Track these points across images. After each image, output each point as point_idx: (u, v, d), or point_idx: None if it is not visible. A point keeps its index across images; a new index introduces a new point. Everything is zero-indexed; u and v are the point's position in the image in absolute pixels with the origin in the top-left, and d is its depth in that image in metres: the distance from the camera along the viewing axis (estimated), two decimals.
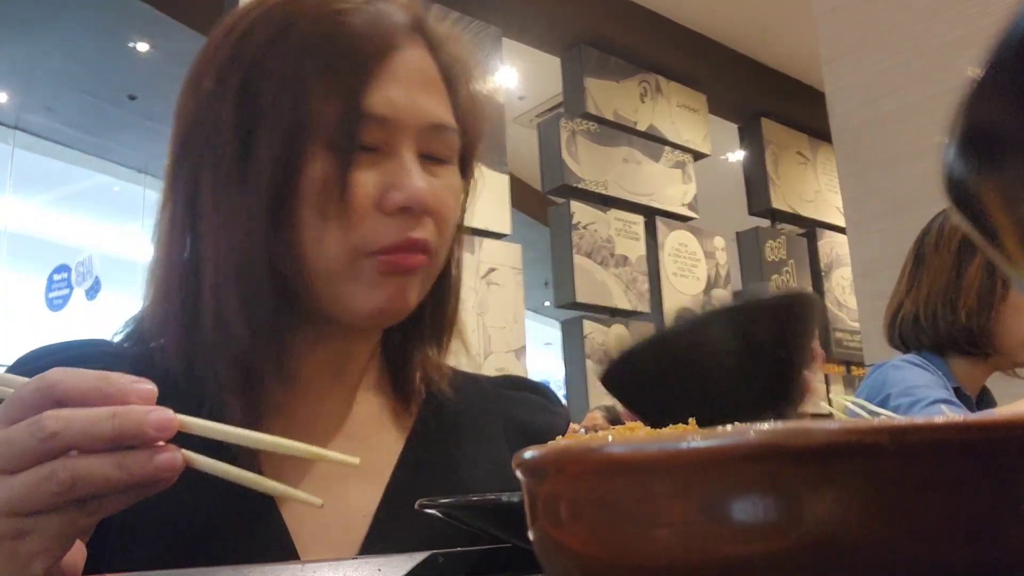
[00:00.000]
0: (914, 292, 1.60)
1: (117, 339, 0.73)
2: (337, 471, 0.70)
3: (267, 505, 0.64)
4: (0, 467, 0.43)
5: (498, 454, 0.80)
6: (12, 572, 0.43)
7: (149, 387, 0.46)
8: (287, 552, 0.64)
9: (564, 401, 5.83)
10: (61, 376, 0.45)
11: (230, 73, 0.67)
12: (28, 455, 0.43)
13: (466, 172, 0.79)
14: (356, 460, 0.47)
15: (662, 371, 0.61)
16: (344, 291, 0.67)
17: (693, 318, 0.59)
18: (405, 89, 0.68)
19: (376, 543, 0.67)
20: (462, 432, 0.80)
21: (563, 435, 0.81)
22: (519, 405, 0.88)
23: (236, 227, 0.66)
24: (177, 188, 0.69)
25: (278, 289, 0.67)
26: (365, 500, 0.70)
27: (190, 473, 0.46)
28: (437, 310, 0.79)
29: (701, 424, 0.43)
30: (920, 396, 1.45)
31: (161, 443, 0.45)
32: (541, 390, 0.95)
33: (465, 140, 0.75)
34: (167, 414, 0.44)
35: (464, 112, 0.75)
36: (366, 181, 0.66)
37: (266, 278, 0.66)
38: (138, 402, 0.45)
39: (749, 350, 0.56)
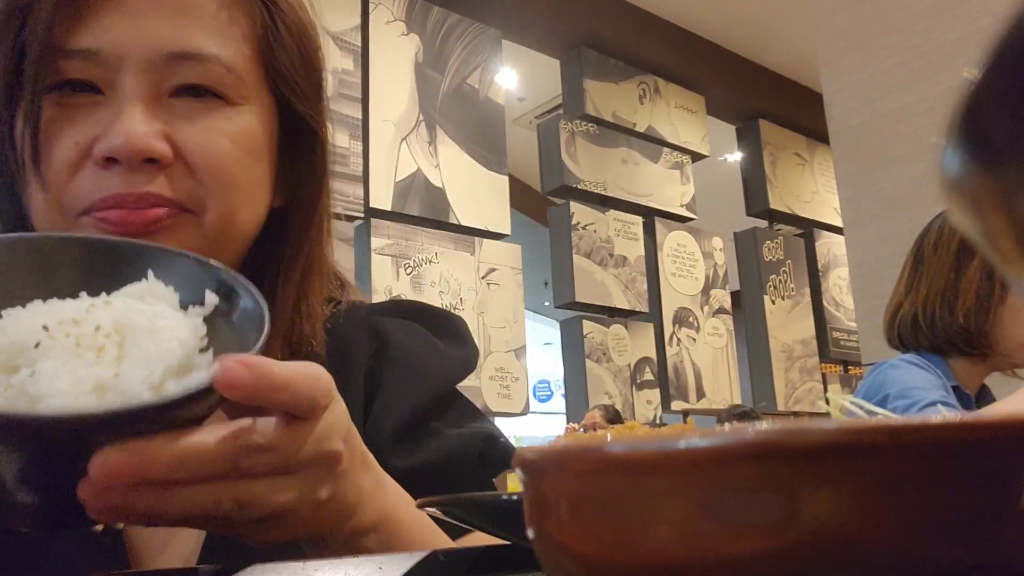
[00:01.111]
0: (913, 293, 1.60)
1: None
2: None
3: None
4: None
5: (359, 411, 0.69)
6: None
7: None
8: (120, 558, 0.58)
9: (563, 399, 5.80)
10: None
11: None
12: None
13: (300, 125, 0.65)
14: None
15: None
16: None
17: None
18: (134, 15, 0.56)
19: (213, 548, 0.60)
20: None
21: (463, 376, 0.74)
22: (393, 342, 0.74)
23: None
24: None
25: None
26: None
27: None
28: (284, 266, 0.64)
29: None
30: (917, 398, 1.45)
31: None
32: (434, 319, 0.79)
33: (287, 83, 0.63)
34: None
35: (282, 51, 0.63)
36: (74, 131, 0.56)
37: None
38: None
39: None
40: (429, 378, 0.72)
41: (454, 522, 0.50)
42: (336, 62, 4.59)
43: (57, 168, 0.56)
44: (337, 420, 0.45)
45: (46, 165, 0.56)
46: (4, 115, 0.57)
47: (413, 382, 0.71)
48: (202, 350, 0.42)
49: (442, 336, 0.77)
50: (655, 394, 5.91)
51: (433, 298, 4.73)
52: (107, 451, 0.36)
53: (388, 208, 4.71)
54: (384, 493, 0.50)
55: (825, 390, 6.87)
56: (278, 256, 0.65)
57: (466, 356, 0.77)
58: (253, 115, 0.61)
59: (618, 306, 5.82)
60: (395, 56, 4.94)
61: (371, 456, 0.50)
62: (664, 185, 6.36)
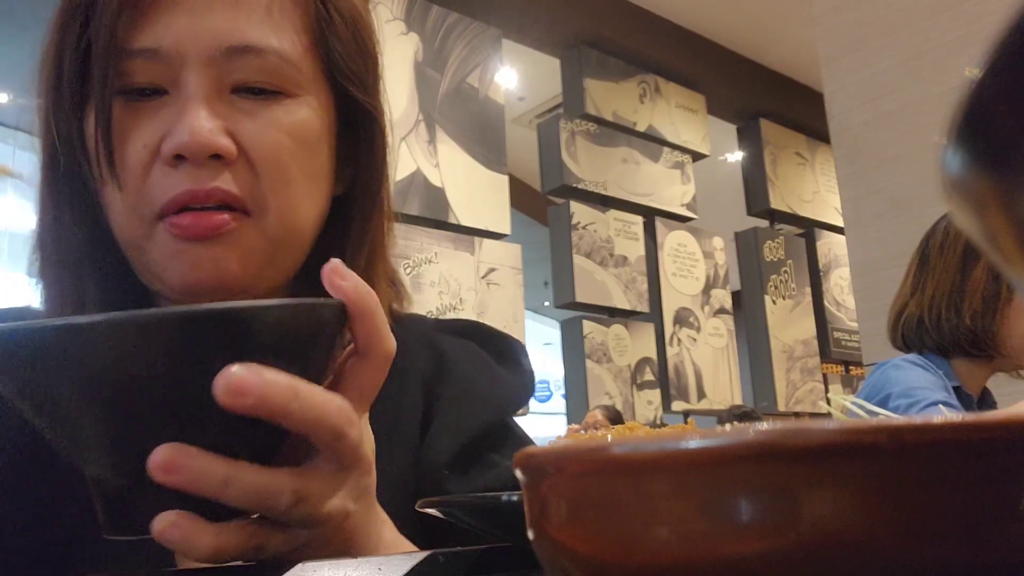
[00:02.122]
0: (919, 294, 1.60)
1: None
2: None
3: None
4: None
5: (414, 427, 0.69)
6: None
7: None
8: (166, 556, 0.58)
9: (563, 399, 5.79)
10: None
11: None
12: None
13: (360, 115, 0.66)
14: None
15: None
16: (151, 263, 0.58)
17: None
18: (192, 12, 0.57)
19: None
20: (372, 410, 0.57)
21: (520, 406, 0.75)
22: (451, 360, 0.73)
23: (40, 195, 0.62)
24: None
25: (104, 264, 0.60)
26: None
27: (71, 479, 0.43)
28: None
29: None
30: (919, 398, 1.45)
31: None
32: (492, 342, 0.78)
33: (344, 73, 0.64)
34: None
35: (337, 40, 0.63)
36: (143, 131, 0.57)
37: (83, 254, 0.60)
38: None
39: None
40: (488, 406, 0.72)
41: (454, 522, 0.50)
42: None
43: (131, 170, 0.57)
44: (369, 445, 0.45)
45: (121, 166, 0.57)
46: (73, 116, 0.59)
47: (472, 409, 0.71)
48: None
49: (501, 360, 0.76)
50: (656, 394, 5.91)
51: (432, 298, 4.73)
52: (235, 366, 0.36)
53: None
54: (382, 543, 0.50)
55: (826, 390, 6.87)
56: (342, 244, 0.65)
57: (525, 384, 0.77)
58: (311, 106, 0.61)
59: (618, 306, 5.82)
60: (394, 55, 4.94)
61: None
62: (664, 185, 6.36)
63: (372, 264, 0.66)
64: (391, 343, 0.44)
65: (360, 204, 0.66)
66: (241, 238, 0.57)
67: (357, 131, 0.66)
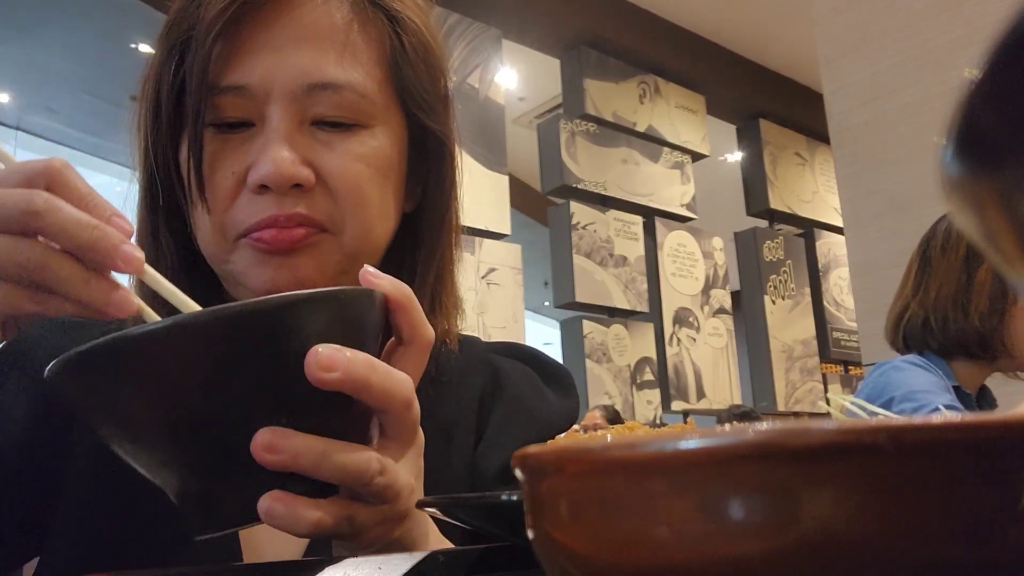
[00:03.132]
0: (922, 295, 1.59)
1: None
2: None
3: None
4: None
5: (468, 441, 0.73)
6: None
7: (127, 222, 0.46)
8: (233, 553, 0.62)
9: None
10: (65, 168, 0.45)
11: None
12: (5, 221, 0.42)
13: (432, 141, 0.70)
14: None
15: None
16: (235, 273, 0.63)
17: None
18: (276, 50, 0.61)
19: (322, 548, 0.63)
20: (432, 419, 0.66)
21: (565, 427, 0.78)
22: (506, 379, 0.78)
23: (139, 216, 0.67)
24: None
25: (195, 274, 0.66)
26: None
27: (137, 480, 0.45)
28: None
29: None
30: (924, 401, 1.45)
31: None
32: (545, 366, 0.82)
33: (415, 101, 0.67)
34: (136, 251, 0.44)
35: (409, 69, 0.67)
36: (231, 160, 0.62)
37: (179, 267, 0.66)
38: (117, 230, 0.44)
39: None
40: (538, 423, 0.76)
41: (454, 522, 0.50)
42: None
43: (219, 196, 0.62)
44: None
45: (210, 192, 0.62)
46: (169, 145, 0.64)
47: (523, 424, 0.75)
48: None
49: (551, 384, 0.80)
50: (655, 394, 5.91)
51: None
52: (321, 346, 0.41)
53: None
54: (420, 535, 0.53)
55: (825, 390, 6.87)
56: (413, 259, 0.70)
57: (572, 406, 0.80)
58: (384, 136, 0.66)
59: (618, 306, 5.82)
60: None
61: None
62: (664, 185, 6.36)
63: (440, 279, 0.72)
64: (430, 331, 0.49)
65: (429, 221, 0.71)
66: (319, 250, 0.62)
67: (427, 153, 0.70)
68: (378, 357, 0.46)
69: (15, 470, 0.64)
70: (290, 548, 0.64)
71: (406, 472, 0.47)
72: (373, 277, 0.47)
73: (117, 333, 0.38)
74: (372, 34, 0.65)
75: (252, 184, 0.60)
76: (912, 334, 1.60)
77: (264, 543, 0.64)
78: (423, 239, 0.71)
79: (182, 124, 0.63)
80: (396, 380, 0.44)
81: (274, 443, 0.40)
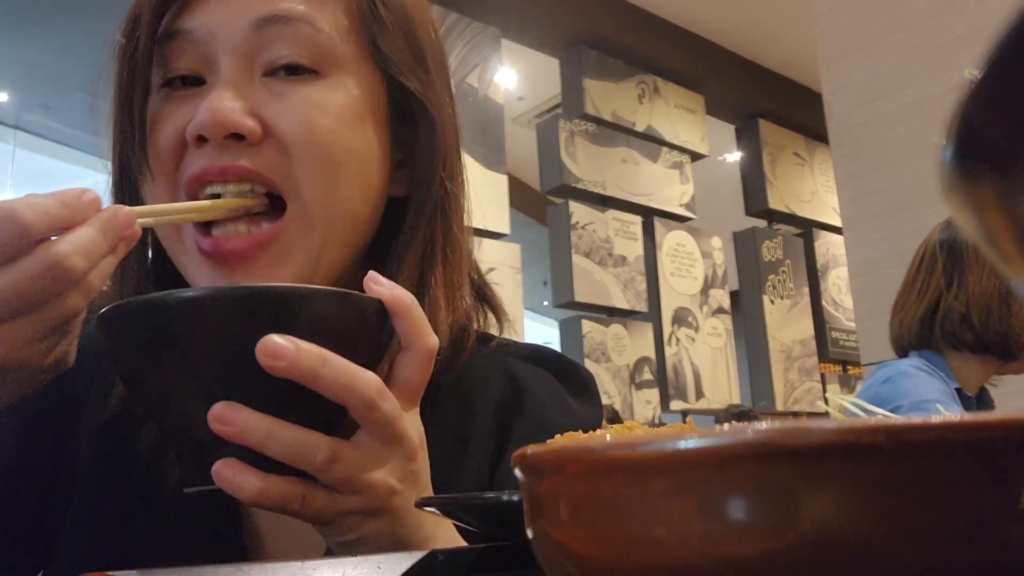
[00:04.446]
0: (957, 290, 1.56)
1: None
2: None
3: (228, 506, 0.61)
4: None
5: (484, 456, 0.69)
6: None
7: (92, 196, 0.47)
8: (237, 554, 0.61)
9: None
10: (24, 209, 0.44)
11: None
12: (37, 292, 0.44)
13: (407, 102, 0.64)
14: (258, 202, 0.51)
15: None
16: (184, 265, 0.60)
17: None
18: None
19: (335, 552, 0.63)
20: (440, 427, 0.63)
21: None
22: (526, 390, 0.73)
23: (112, 193, 0.64)
24: None
25: (158, 267, 0.63)
26: None
27: (146, 478, 0.46)
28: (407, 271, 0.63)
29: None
30: (932, 412, 1.44)
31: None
32: (567, 372, 0.77)
33: (377, 50, 0.62)
34: (126, 213, 0.48)
35: (369, 14, 0.62)
36: (176, 116, 0.58)
37: (143, 256, 0.63)
38: (94, 212, 0.46)
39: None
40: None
41: (454, 522, 0.50)
42: None
43: (163, 156, 0.58)
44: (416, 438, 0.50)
45: (153, 155, 0.58)
46: (126, 117, 0.60)
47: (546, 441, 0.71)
48: None
49: (573, 392, 0.76)
50: (654, 394, 5.91)
51: None
52: (274, 335, 0.43)
53: None
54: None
55: (824, 390, 6.87)
56: (395, 245, 0.64)
57: (595, 416, 0.76)
58: (351, 86, 0.60)
59: (617, 306, 5.82)
60: None
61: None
62: (663, 185, 6.36)
63: (429, 266, 0.64)
64: (432, 339, 0.49)
65: (415, 202, 0.64)
66: (277, 249, 0.57)
67: (414, 125, 0.64)
68: (379, 359, 0.47)
69: (18, 487, 0.63)
70: (298, 549, 0.63)
71: (384, 472, 0.47)
72: (374, 283, 0.48)
73: (143, 297, 0.44)
74: None
75: (189, 135, 0.56)
76: (949, 327, 1.56)
77: (271, 544, 0.64)
78: (405, 223, 0.64)
79: (123, 86, 0.60)
80: (352, 378, 0.45)
81: (225, 415, 0.43)
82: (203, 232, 0.57)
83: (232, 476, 0.44)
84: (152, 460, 0.60)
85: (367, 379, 0.45)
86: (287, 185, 0.57)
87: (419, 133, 0.65)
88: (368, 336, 0.47)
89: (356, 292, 0.47)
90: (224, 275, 0.57)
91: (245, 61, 0.58)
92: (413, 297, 0.48)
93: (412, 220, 0.64)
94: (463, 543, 0.54)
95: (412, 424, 0.49)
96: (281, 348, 0.42)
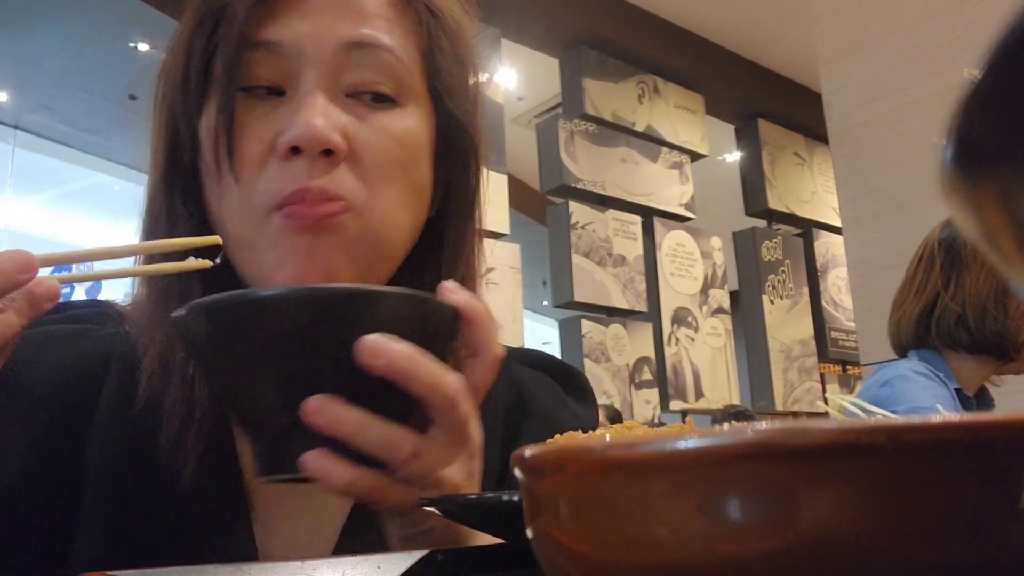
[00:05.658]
0: (953, 290, 1.55)
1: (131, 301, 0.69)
2: None
3: (238, 505, 0.62)
4: None
5: (490, 454, 0.73)
6: None
7: (22, 255, 0.47)
8: (249, 553, 0.62)
9: None
10: None
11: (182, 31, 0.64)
12: None
13: (458, 134, 0.67)
14: (208, 264, 0.52)
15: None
16: (261, 259, 0.59)
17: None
18: (313, 13, 0.60)
19: (346, 548, 0.64)
20: None
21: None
22: (530, 393, 0.76)
23: (149, 198, 0.63)
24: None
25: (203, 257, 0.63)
26: (340, 501, 0.65)
27: (159, 477, 0.47)
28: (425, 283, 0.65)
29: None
30: None
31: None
32: (564, 375, 0.81)
33: (445, 88, 0.65)
34: (25, 256, 0.47)
35: (440, 55, 0.65)
36: (260, 126, 0.59)
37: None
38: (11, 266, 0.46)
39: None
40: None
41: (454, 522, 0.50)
42: None
43: (247, 163, 0.59)
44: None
45: (238, 159, 0.59)
46: (196, 114, 0.61)
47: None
48: None
49: (571, 393, 0.80)
50: (654, 394, 5.91)
51: None
52: (375, 335, 0.46)
53: None
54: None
55: (824, 390, 6.87)
56: (436, 262, 0.68)
57: (594, 415, 0.80)
58: (417, 118, 0.63)
59: (617, 306, 5.82)
60: None
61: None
62: (663, 185, 6.36)
63: (466, 283, 0.66)
64: (499, 347, 0.53)
65: (455, 224, 0.69)
66: (346, 233, 0.59)
67: (454, 153, 0.68)
68: (446, 362, 0.50)
69: (28, 497, 0.62)
70: (306, 549, 0.64)
71: (454, 469, 0.50)
72: (449, 292, 0.51)
73: (238, 292, 0.47)
74: (410, 22, 0.64)
75: (282, 147, 0.57)
76: (944, 327, 1.56)
77: (282, 543, 0.64)
78: (447, 241, 0.68)
79: (208, 90, 0.60)
80: (440, 378, 0.48)
81: (322, 407, 0.45)
82: (288, 203, 0.58)
83: (324, 466, 0.46)
84: (165, 461, 0.61)
85: (452, 379, 0.48)
86: (355, 202, 0.59)
87: (460, 160, 0.68)
88: (443, 340, 0.51)
89: (436, 298, 0.50)
90: (310, 245, 0.58)
91: (331, 80, 0.59)
92: (487, 308, 0.52)
93: (454, 243, 0.69)
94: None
95: (476, 426, 0.52)
96: (383, 347, 0.45)
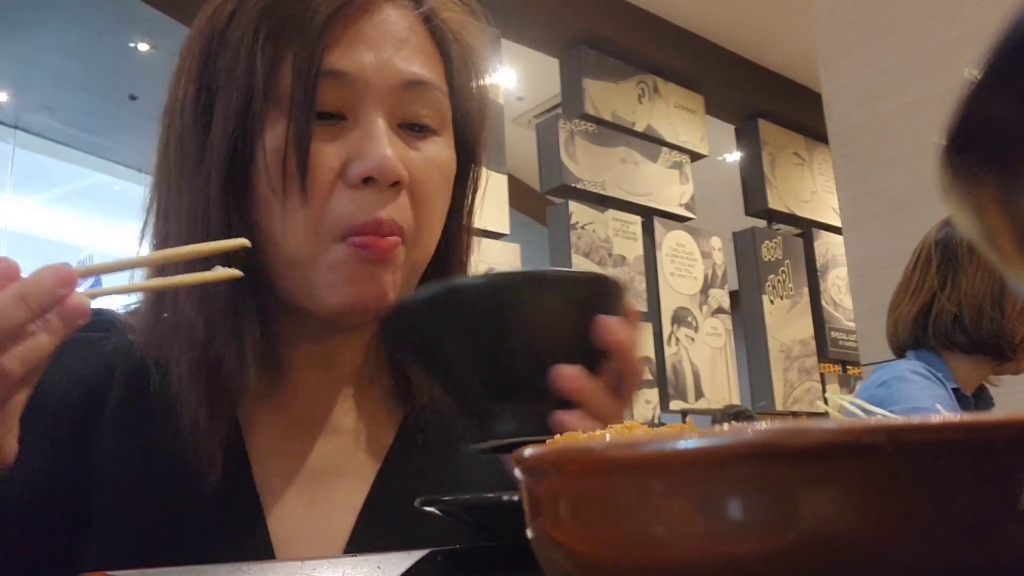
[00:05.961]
0: (950, 290, 1.55)
1: (130, 310, 0.71)
2: (324, 466, 0.69)
3: (251, 503, 0.63)
4: None
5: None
6: None
7: (61, 269, 0.46)
8: (265, 550, 0.62)
9: None
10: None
11: (195, 47, 0.64)
12: None
13: (467, 154, 0.71)
14: (239, 273, 0.52)
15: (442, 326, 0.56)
16: (314, 280, 0.61)
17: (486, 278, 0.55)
18: (375, 47, 0.62)
19: (359, 543, 0.65)
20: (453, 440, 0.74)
21: None
22: None
23: (192, 207, 0.62)
24: (156, 173, 0.67)
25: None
26: (350, 497, 0.67)
27: (172, 480, 0.47)
28: None
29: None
30: None
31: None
32: None
33: (462, 113, 0.69)
34: (63, 270, 0.46)
35: (460, 83, 0.69)
36: (328, 151, 0.60)
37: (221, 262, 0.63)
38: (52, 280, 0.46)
39: (540, 322, 0.55)
40: None
41: (453, 522, 0.50)
42: None
43: (316, 189, 0.60)
44: None
45: (313, 186, 0.60)
46: (258, 133, 0.61)
47: None
48: None
49: None
50: (654, 394, 5.91)
51: None
52: (612, 318, 0.56)
53: None
54: None
55: (824, 390, 6.87)
56: (434, 264, 0.70)
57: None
58: (450, 146, 0.68)
59: None
60: None
61: None
62: (663, 185, 6.36)
63: None
64: (640, 376, 0.60)
65: (453, 231, 0.73)
66: (397, 262, 0.63)
67: (460, 169, 0.71)
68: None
69: (40, 505, 0.62)
70: (320, 547, 0.64)
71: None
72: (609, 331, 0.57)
73: (447, 283, 0.55)
74: (440, 52, 0.68)
75: (355, 177, 0.60)
76: (941, 328, 1.56)
77: (296, 542, 0.64)
78: (444, 246, 0.71)
79: (246, 111, 0.61)
80: (637, 349, 0.57)
81: (577, 377, 0.53)
82: (362, 232, 0.61)
83: (575, 423, 0.53)
84: (177, 465, 0.61)
85: (640, 360, 0.58)
86: (408, 234, 0.63)
87: (462, 176, 0.72)
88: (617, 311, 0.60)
89: (613, 277, 0.59)
90: (372, 275, 0.61)
91: (391, 112, 0.63)
92: (636, 338, 0.59)
93: (454, 250, 0.73)
94: None
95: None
96: (617, 327, 0.55)
